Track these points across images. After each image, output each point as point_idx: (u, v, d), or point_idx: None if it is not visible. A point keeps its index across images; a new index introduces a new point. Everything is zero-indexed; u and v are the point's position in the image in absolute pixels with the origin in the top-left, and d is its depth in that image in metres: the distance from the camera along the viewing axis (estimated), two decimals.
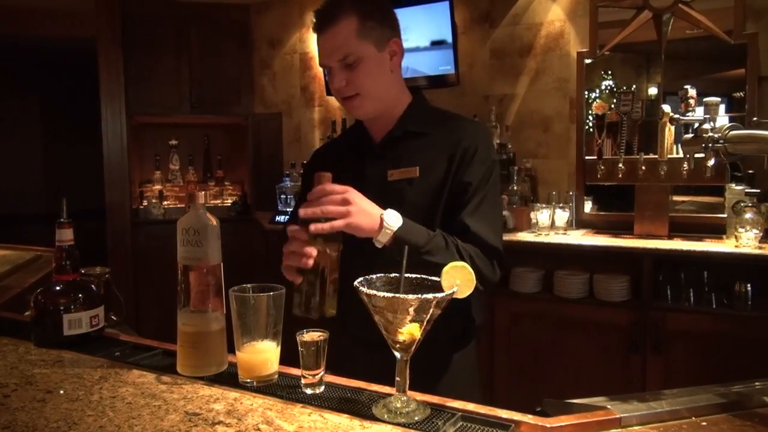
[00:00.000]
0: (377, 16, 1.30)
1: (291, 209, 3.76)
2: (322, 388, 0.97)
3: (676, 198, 2.94)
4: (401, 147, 1.35)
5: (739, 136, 1.26)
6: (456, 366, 1.38)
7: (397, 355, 0.90)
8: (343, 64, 1.28)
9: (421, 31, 3.42)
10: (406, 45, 1.40)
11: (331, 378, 1.01)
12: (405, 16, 3.42)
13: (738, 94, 2.79)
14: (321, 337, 0.96)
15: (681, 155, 2.67)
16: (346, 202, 1.12)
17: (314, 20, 1.32)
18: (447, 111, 1.43)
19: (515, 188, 3.15)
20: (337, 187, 1.13)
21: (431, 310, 0.85)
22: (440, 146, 1.32)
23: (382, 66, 1.32)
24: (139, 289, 4.05)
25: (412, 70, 3.53)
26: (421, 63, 3.48)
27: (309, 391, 0.95)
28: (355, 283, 0.88)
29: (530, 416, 0.87)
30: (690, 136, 1.62)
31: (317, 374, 0.96)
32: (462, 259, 1.20)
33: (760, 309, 2.34)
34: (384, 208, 1.17)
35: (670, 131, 2.64)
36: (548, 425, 0.84)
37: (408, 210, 1.25)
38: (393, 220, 1.16)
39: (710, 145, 1.38)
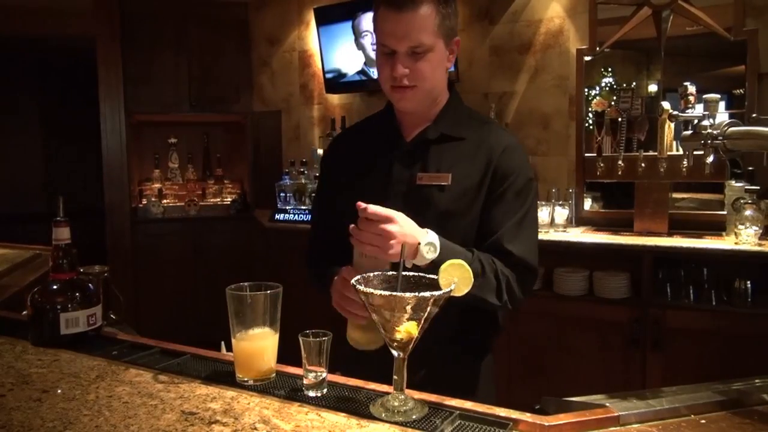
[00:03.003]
0: (451, 10, 1.26)
1: (291, 205, 3.76)
2: (325, 390, 0.95)
3: (675, 195, 2.93)
4: (433, 150, 1.29)
5: (738, 133, 1.25)
6: (466, 374, 1.32)
7: (395, 353, 0.89)
8: (411, 51, 1.21)
9: None
10: None
11: (328, 377, 1.01)
12: None
13: (738, 91, 2.78)
14: (325, 338, 0.94)
15: (681, 152, 2.68)
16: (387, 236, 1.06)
17: None
18: (481, 115, 1.41)
19: None
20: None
21: (429, 309, 0.85)
22: (474, 155, 1.27)
23: (444, 62, 1.28)
24: (138, 288, 4.04)
25: None
26: None
27: (312, 394, 0.94)
28: (353, 281, 0.88)
29: (529, 414, 0.87)
30: (689, 132, 1.61)
31: (320, 374, 0.94)
32: (498, 283, 1.18)
33: (760, 306, 2.34)
34: (410, 211, 1.12)
35: (669, 128, 2.64)
36: (547, 423, 0.84)
37: (436, 216, 1.22)
38: (430, 250, 1.10)
39: (709, 141, 1.38)
